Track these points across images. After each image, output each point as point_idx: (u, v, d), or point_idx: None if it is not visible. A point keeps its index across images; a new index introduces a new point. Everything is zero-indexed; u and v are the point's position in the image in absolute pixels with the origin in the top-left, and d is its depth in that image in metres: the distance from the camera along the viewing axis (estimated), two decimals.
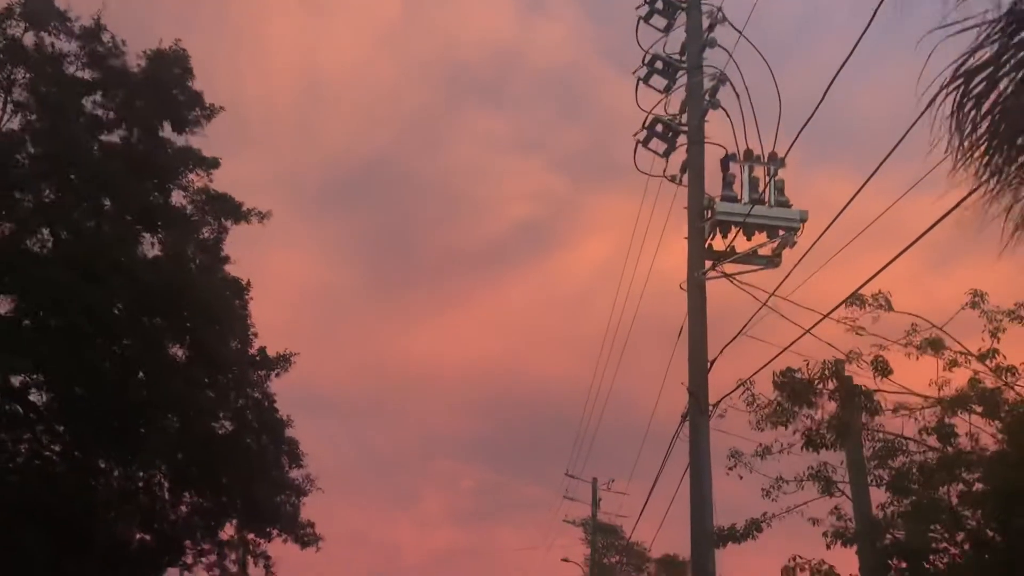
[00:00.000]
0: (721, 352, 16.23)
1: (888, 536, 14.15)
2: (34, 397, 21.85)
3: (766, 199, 17.88)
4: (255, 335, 22.67)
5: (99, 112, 19.65)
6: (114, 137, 19.73)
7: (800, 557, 14.84)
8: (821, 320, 14.13)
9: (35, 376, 20.55)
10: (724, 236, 17.86)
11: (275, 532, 24.40)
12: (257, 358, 22.42)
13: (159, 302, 17.75)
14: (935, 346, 14.38)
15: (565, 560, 51.72)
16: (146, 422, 18.98)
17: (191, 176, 20.93)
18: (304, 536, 24.48)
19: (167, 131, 20.82)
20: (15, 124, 18.89)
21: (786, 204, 17.85)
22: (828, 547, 15.06)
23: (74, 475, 22.45)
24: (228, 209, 20.98)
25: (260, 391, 22.87)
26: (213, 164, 21.14)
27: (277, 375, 22.87)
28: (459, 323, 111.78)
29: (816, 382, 15.23)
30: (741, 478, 15.66)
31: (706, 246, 17.81)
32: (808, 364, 15.28)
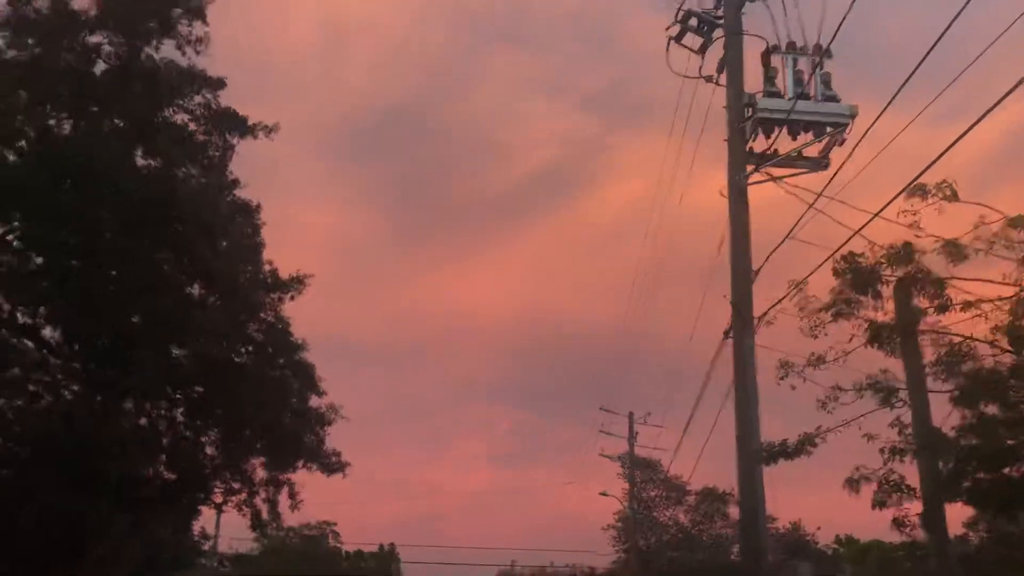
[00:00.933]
0: (767, 259, 15.02)
1: (959, 447, 12.92)
2: (45, 335, 21.15)
3: (812, 94, 16.53)
4: (272, 264, 21.61)
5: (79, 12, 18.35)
6: (97, 38, 18.49)
7: (864, 467, 13.73)
8: (876, 215, 12.81)
9: (40, 309, 19.78)
10: (767, 136, 16.54)
11: (300, 464, 23.70)
12: (268, 280, 21.43)
13: (149, 213, 16.69)
14: (1008, 239, 12.93)
15: (604, 494, 51.31)
16: (147, 349, 18.09)
17: (196, 99, 19.81)
18: (330, 464, 23.76)
19: (169, 51, 19.68)
20: None
21: (834, 99, 16.48)
22: (885, 464, 13.92)
23: (88, 414, 21.90)
24: (233, 124, 19.87)
25: (273, 314, 21.95)
26: (219, 84, 19.98)
27: (291, 298, 21.99)
28: (490, 268, 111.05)
29: (882, 266, 13.86)
30: (794, 388, 14.41)
31: (747, 149, 16.53)
32: (873, 247, 13.90)
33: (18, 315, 20.26)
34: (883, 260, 13.86)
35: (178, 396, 21.63)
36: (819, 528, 50.71)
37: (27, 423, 23.87)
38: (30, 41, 17.25)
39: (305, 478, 25.34)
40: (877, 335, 13.67)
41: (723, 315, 15.54)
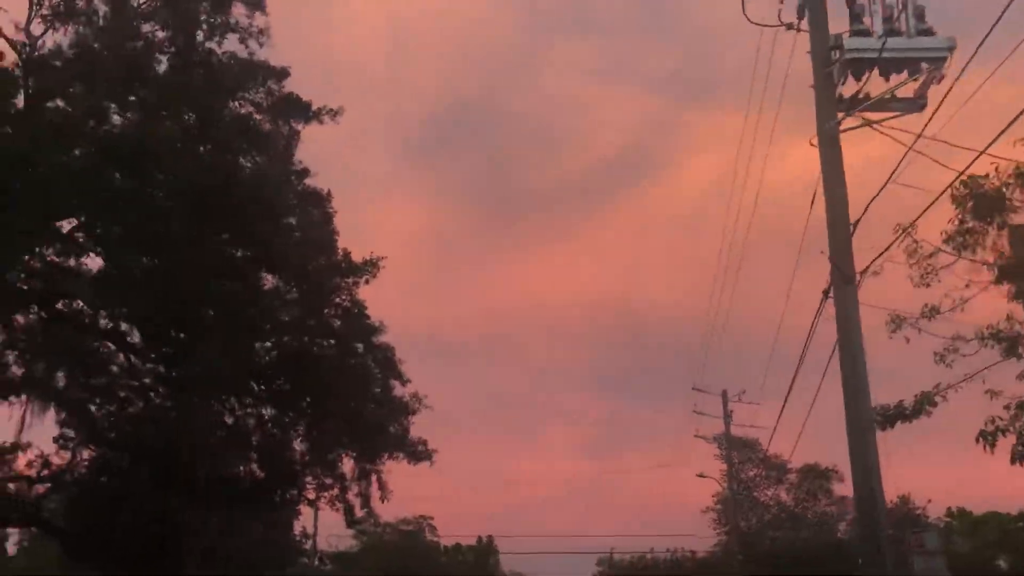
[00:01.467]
0: (866, 209, 13.91)
1: None
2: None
3: (904, 29, 15.27)
4: (346, 250, 21.23)
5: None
6: (155, 31, 18.35)
7: (999, 419, 12.42)
8: (982, 153, 11.61)
9: (121, 310, 19.82)
10: (857, 79, 15.37)
11: (386, 454, 23.38)
12: (342, 265, 21.08)
13: (209, 198, 16.39)
14: None
15: (701, 475, 50.03)
16: (222, 341, 17.86)
17: (260, 91, 19.56)
18: (416, 452, 23.38)
19: (233, 45, 19.47)
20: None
21: (929, 32, 15.17)
22: (1011, 422, 12.64)
23: (176, 416, 22.00)
24: (297, 110, 19.58)
25: (348, 298, 21.61)
26: (283, 74, 19.74)
27: (366, 282, 21.60)
28: (569, 255, 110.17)
29: (1010, 187, 12.45)
30: (908, 341, 13.20)
31: (836, 95, 15.42)
32: (997, 169, 12.51)
33: (100, 319, 20.38)
34: (1011, 181, 12.40)
35: (261, 389, 21.48)
36: (929, 501, 48.62)
37: (119, 429, 24.19)
38: (83, 31, 17.20)
39: (396, 474, 25.15)
40: (1006, 271, 12.23)
41: (820, 278, 14.52)
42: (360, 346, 21.94)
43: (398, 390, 23.08)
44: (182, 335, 18.99)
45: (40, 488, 25.01)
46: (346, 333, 21.43)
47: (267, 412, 22.45)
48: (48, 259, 20.08)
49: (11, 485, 24.32)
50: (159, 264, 17.66)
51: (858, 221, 14.14)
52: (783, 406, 23.83)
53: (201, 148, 17.28)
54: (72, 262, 19.54)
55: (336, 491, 26.22)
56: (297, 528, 48.31)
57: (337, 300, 21.29)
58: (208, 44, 19.20)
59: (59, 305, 20.48)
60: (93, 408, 23.86)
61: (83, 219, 16.39)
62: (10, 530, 26.83)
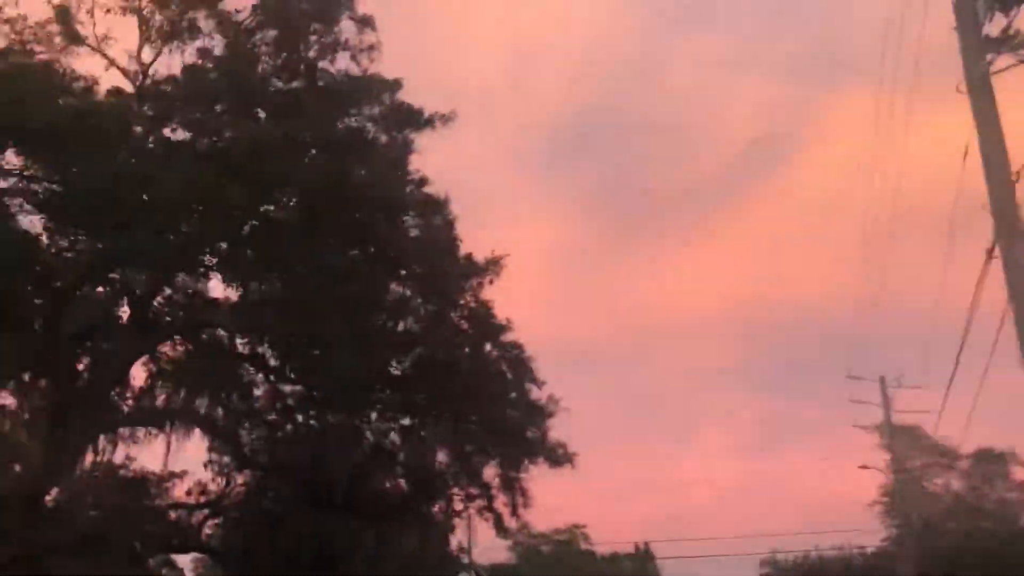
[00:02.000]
0: None
1: None
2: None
3: None
4: (469, 254, 20.87)
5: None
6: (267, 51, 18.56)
7: None
8: None
9: (263, 338, 20.13)
10: (1006, 13, 13.97)
11: (527, 459, 22.92)
12: (465, 266, 20.75)
13: (322, 202, 16.31)
14: None
15: (864, 467, 47.46)
16: (351, 351, 17.76)
17: (374, 105, 19.54)
18: (556, 456, 22.81)
19: (344, 63, 19.57)
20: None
21: None
22: None
23: (323, 435, 22.24)
24: (409, 119, 19.44)
25: (474, 300, 21.27)
26: (396, 86, 19.70)
27: (490, 282, 21.24)
28: (706, 255, 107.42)
29: None
30: None
31: (982, 35, 14.07)
32: None
33: (238, 344, 20.79)
34: None
35: (397, 400, 21.41)
36: None
37: (269, 452, 24.68)
38: (193, 53, 17.61)
39: (538, 482, 24.67)
40: None
41: (978, 244, 13.18)
42: (489, 346, 21.57)
43: (533, 393, 22.65)
44: (315, 351, 19.09)
45: (200, 514, 25.76)
46: (475, 335, 21.11)
47: (405, 423, 22.38)
48: (188, 291, 20.66)
49: (172, 512, 25.08)
50: (284, 278, 17.79)
51: (1021, 170, 12.80)
52: (949, 386, 22.09)
53: (313, 154, 17.25)
54: (203, 287, 19.99)
55: (483, 501, 25.98)
56: (453, 542, 48.81)
57: (462, 302, 21.02)
58: (321, 64, 19.37)
59: (202, 335, 21.01)
60: (243, 433, 24.47)
61: (212, 246, 16.61)
62: (177, 556, 27.66)
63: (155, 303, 20.79)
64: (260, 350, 21.09)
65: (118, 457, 22.99)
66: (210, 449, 22.62)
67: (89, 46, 16.78)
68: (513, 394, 22.07)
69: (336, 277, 16.66)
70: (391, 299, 19.32)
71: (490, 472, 24.95)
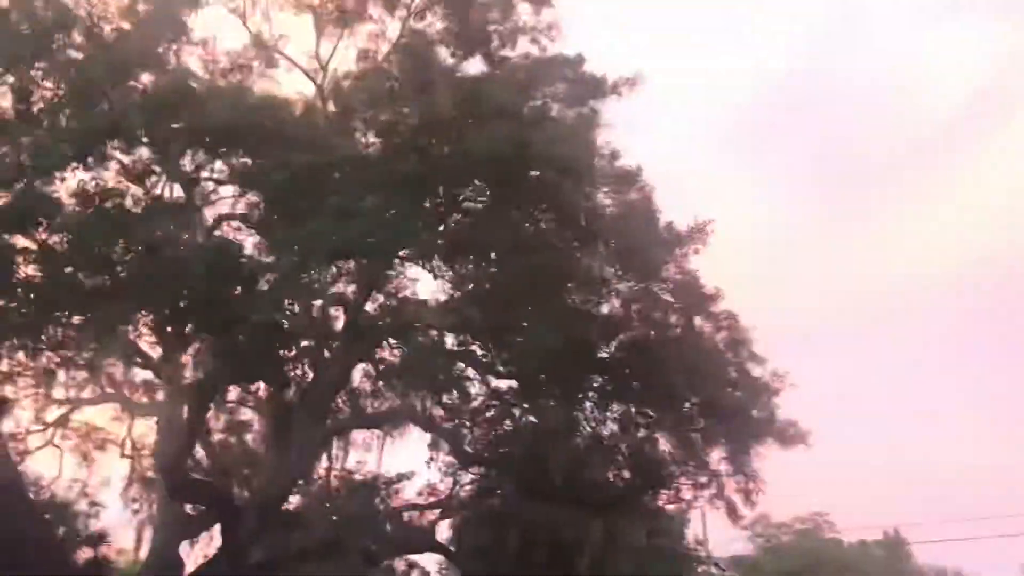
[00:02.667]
0: None
1: None
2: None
3: None
4: (670, 225, 19.69)
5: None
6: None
7: None
8: None
9: (464, 334, 20.08)
10: None
11: (754, 440, 21.51)
12: (666, 236, 19.65)
13: (502, 167, 15.68)
14: None
15: None
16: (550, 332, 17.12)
17: (557, 84, 18.97)
18: (786, 436, 21.23)
19: (523, 47, 19.16)
20: None
21: None
22: None
23: (538, 425, 21.97)
24: (592, 88, 18.68)
25: (679, 270, 20.07)
26: (578, 61, 19.00)
27: (696, 251, 20.01)
28: (936, 216, 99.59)
29: None
30: None
31: None
32: None
33: (448, 340, 20.86)
34: None
35: (607, 385, 20.73)
36: None
37: (491, 449, 24.73)
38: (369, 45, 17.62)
39: (778, 469, 23.19)
40: None
41: None
42: (700, 319, 20.39)
43: (754, 369, 21.20)
44: (520, 340, 18.76)
45: (431, 514, 26.20)
46: (683, 308, 20.01)
47: (620, 410, 21.66)
48: (396, 292, 21.02)
49: (405, 514, 25.62)
50: (481, 264, 17.53)
51: None
52: None
53: (496, 126, 16.78)
54: (410, 288, 20.21)
55: (713, 489, 24.85)
56: (689, 536, 47.39)
57: (665, 274, 19.97)
58: (502, 52, 19.09)
59: (414, 335, 21.24)
60: (464, 431, 24.65)
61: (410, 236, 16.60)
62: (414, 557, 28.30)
63: (366, 308, 21.27)
64: (471, 347, 21.05)
65: (347, 461, 23.75)
66: (431, 447, 22.88)
67: (276, 52, 17.31)
68: (732, 371, 20.78)
69: (529, 250, 16.11)
70: (590, 276, 18.63)
71: (717, 458, 23.82)
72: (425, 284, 20.91)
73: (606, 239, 18.36)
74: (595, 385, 20.69)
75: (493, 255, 16.62)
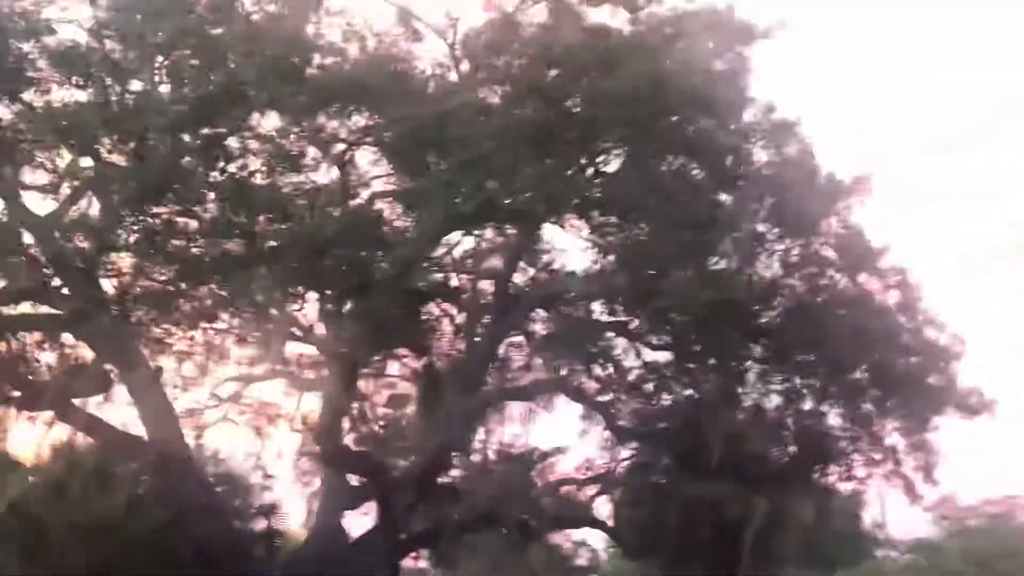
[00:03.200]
0: None
1: None
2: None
3: None
4: (831, 176, 18.14)
5: None
6: None
7: None
8: None
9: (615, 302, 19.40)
10: None
11: (932, 411, 19.83)
12: (828, 187, 18.12)
13: (634, 110, 14.66)
14: None
15: None
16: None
17: (705, 38, 17.81)
18: (970, 405, 19.43)
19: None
20: None
21: None
22: None
23: (698, 398, 21.15)
24: (738, 33, 17.43)
25: (841, 223, 18.51)
26: (728, 12, 17.81)
27: (860, 205, 18.41)
28: None
29: None
30: None
31: None
32: None
33: (596, 310, 20.27)
34: None
35: (766, 352, 19.56)
36: None
37: (648, 423, 24.03)
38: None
39: (966, 444, 21.45)
40: None
41: None
42: (865, 276, 18.84)
43: (928, 331, 19.47)
44: (669, 305, 17.89)
45: (590, 489, 25.78)
46: (846, 265, 18.54)
47: (782, 380, 20.45)
48: (544, 264, 20.65)
49: (562, 488, 25.30)
50: (624, 223, 16.74)
51: None
52: None
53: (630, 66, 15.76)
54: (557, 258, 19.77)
55: (890, 466, 23.28)
56: (866, 518, 44.90)
57: (825, 229, 18.55)
58: (647, 8, 18.17)
59: (562, 306, 20.85)
60: (619, 404, 24.09)
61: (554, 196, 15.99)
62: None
63: (513, 279, 21.00)
64: (620, 316, 20.41)
65: (502, 434, 23.64)
66: (583, 419, 22.44)
67: (409, 15, 17.03)
68: (905, 336, 19.18)
69: (678, 205, 15.19)
70: (745, 234, 17.49)
71: (892, 431, 22.26)
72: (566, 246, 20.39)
73: (762, 193, 17.22)
74: (755, 354, 19.57)
75: (638, 213, 15.72)
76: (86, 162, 16.29)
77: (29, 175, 16.16)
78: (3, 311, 17.21)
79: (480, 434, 23.19)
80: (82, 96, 15.70)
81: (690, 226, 15.58)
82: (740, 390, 20.91)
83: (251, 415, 28.55)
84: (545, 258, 20.13)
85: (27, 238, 17.10)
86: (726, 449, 20.68)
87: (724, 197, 17.63)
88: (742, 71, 16.94)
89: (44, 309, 18.07)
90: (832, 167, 18.43)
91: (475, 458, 23.34)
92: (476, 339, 21.57)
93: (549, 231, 19.62)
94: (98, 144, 15.37)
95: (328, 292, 14.77)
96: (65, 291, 17.41)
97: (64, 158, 15.75)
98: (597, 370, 22.73)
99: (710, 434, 20.34)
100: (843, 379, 19.68)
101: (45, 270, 17.38)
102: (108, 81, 15.26)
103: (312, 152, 15.92)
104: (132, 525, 21.58)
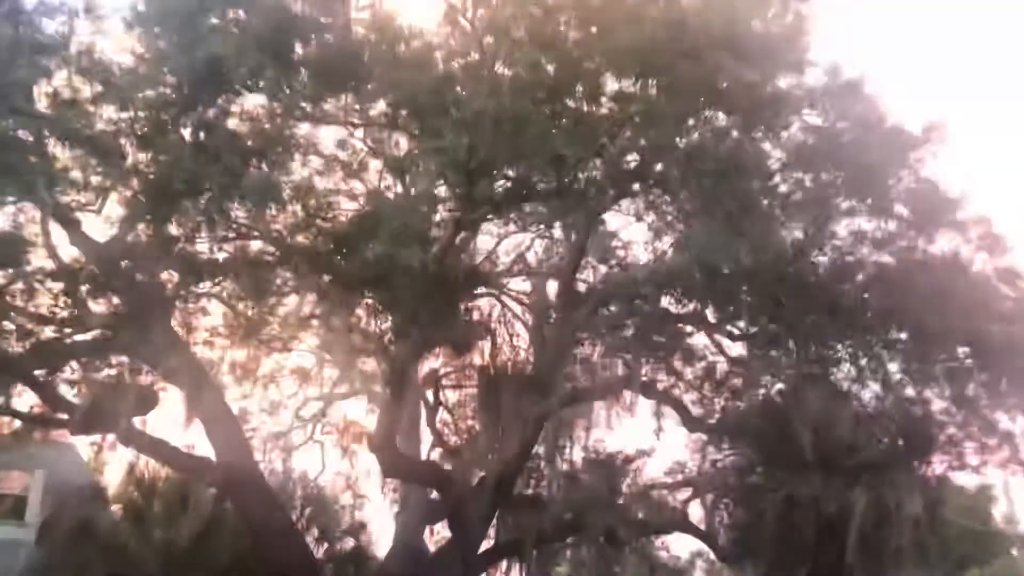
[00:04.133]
0: None
1: None
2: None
3: None
4: (900, 128, 16.34)
5: None
6: None
7: None
8: None
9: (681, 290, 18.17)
10: None
11: None
12: (896, 139, 16.31)
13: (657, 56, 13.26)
14: None
15: None
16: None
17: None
18: None
19: None
20: None
21: None
22: None
23: (786, 391, 19.75)
24: None
25: (913, 177, 16.64)
26: None
27: (933, 154, 16.56)
28: None
29: None
30: None
31: None
32: None
33: (668, 302, 19.06)
34: None
35: (848, 332, 17.93)
36: None
37: (737, 421, 22.70)
38: None
39: None
40: None
41: None
42: (947, 234, 16.95)
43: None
44: (740, 288, 16.55)
45: (683, 492, 24.56)
46: (923, 222, 16.73)
47: (871, 361, 18.80)
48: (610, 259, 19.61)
49: (653, 493, 24.12)
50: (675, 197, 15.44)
51: None
52: None
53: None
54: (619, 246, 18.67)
55: (1007, 453, 21.37)
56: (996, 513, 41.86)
57: (899, 186, 16.79)
58: None
59: (633, 300, 19.73)
60: (704, 401, 22.86)
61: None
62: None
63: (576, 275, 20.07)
64: (691, 305, 19.15)
65: (583, 438, 22.67)
66: (656, 416, 21.21)
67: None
68: (1003, 300, 17.24)
69: (734, 174, 13.77)
70: (813, 203, 15.97)
71: (1006, 413, 20.36)
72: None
73: (829, 160, 15.74)
74: (838, 334, 18.02)
75: (691, 185, 14.40)
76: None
77: (70, 195, 15.69)
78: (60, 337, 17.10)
79: (560, 440, 22.32)
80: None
81: (749, 195, 14.27)
82: (829, 376, 19.39)
83: (337, 435, 28.35)
84: (608, 248, 19.00)
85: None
86: (819, 441, 19.29)
87: (779, 158, 16.20)
88: (799, 30, 15.52)
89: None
90: (905, 120, 16.78)
91: (557, 465, 22.43)
92: (544, 339, 20.68)
93: (612, 220, 18.56)
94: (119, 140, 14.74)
95: (356, 288, 13.95)
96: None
97: (93, 168, 15.12)
98: (671, 364, 21.61)
99: (797, 425, 19.01)
100: (938, 356, 17.90)
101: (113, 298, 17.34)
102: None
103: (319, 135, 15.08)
104: (211, 550, 21.56)
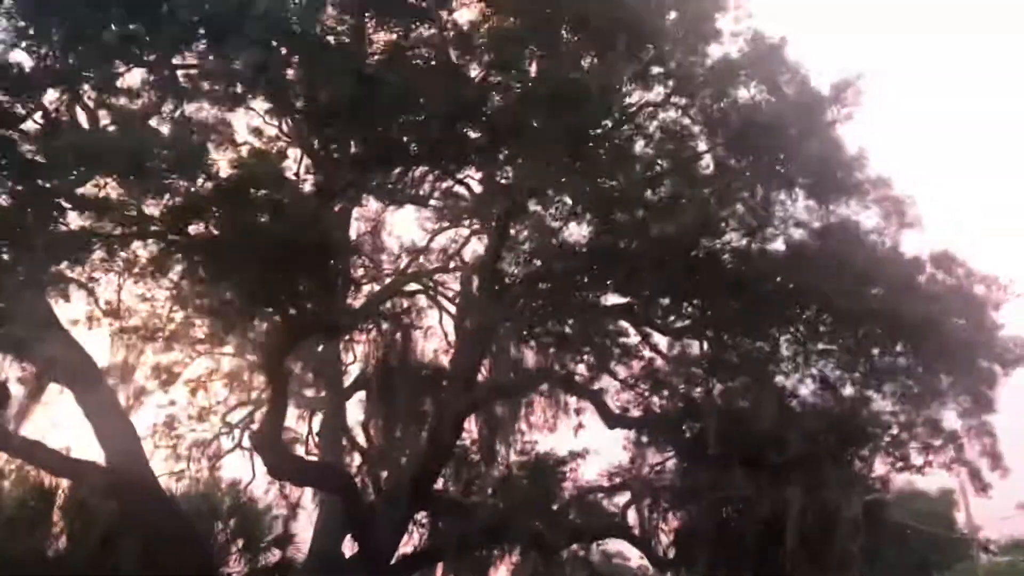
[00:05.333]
0: None
1: None
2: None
3: None
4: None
5: None
6: None
7: None
8: None
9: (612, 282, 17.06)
10: None
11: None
12: (800, 99, 15.11)
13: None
14: None
15: None
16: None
17: None
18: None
19: None
20: None
21: None
22: None
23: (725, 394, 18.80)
24: None
25: (822, 140, 15.28)
26: None
27: (847, 117, 15.34)
28: None
29: None
30: None
31: None
32: None
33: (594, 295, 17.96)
34: None
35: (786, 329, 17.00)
36: None
37: (671, 421, 21.70)
38: None
39: None
40: None
41: None
42: (852, 203, 15.88)
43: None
44: (667, 286, 15.49)
45: (620, 496, 23.41)
46: (820, 192, 15.61)
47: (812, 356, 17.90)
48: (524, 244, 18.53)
49: (590, 496, 22.96)
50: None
51: None
52: None
53: None
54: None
55: (951, 453, 20.66)
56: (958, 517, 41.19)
57: (802, 152, 15.58)
58: None
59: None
60: (638, 400, 21.78)
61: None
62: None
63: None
64: (627, 299, 18.04)
65: (510, 438, 21.46)
66: (575, 412, 20.11)
67: None
68: (933, 284, 16.18)
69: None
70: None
71: (948, 412, 19.65)
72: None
73: (759, 145, 14.64)
74: (760, 322, 17.03)
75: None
76: None
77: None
78: None
79: (487, 439, 21.11)
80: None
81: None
82: (750, 365, 18.40)
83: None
84: (529, 235, 17.88)
85: None
86: (743, 436, 18.31)
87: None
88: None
89: None
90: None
91: (480, 466, 21.21)
92: (464, 332, 19.52)
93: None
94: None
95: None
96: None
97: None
98: (613, 364, 20.54)
99: (712, 419, 18.08)
100: (859, 339, 16.93)
101: None
102: None
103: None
104: (107, 561, 20.08)
